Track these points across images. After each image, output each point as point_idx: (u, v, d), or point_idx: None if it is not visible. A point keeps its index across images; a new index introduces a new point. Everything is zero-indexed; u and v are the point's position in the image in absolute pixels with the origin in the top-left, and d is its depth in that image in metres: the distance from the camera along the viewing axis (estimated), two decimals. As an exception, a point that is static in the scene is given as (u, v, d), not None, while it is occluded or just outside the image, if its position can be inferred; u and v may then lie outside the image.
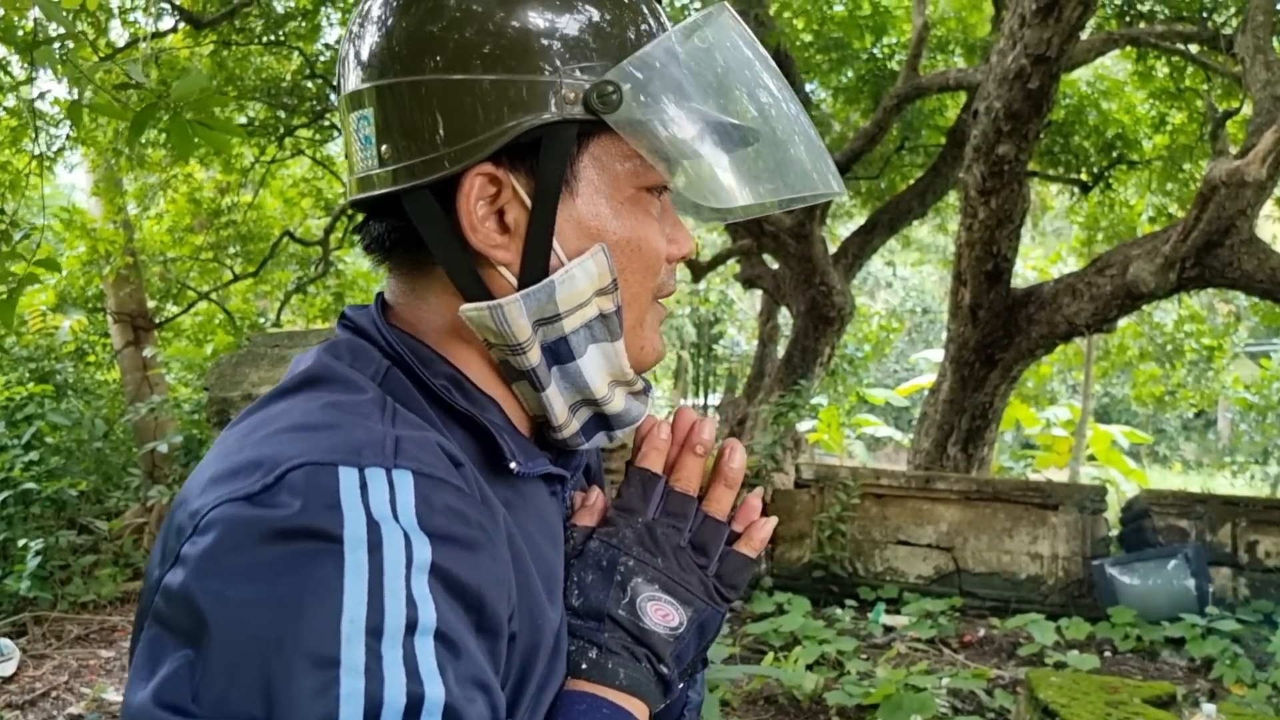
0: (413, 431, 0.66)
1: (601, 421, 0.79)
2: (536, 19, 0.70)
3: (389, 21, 0.73)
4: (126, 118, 1.75)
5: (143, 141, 7.17)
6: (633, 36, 0.73)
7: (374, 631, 0.55)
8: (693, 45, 0.73)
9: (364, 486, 0.60)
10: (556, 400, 0.76)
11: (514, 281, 0.72)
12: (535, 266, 0.72)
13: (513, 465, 0.73)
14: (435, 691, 0.55)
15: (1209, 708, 3.77)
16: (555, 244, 0.72)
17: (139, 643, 0.59)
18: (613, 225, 0.74)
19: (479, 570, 0.62)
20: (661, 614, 0.75)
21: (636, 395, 0.80)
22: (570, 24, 0.71)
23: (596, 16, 0.72)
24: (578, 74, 0.70)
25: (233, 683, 0.53)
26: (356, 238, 0.81)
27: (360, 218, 0.80)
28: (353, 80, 0.75)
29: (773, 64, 0.78)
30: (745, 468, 0.81)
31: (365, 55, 0.74)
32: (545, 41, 0.70)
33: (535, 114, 0.70)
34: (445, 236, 0.73)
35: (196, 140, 1.74)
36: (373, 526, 0.58)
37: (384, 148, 0.72)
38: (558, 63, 0.70)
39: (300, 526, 0.57)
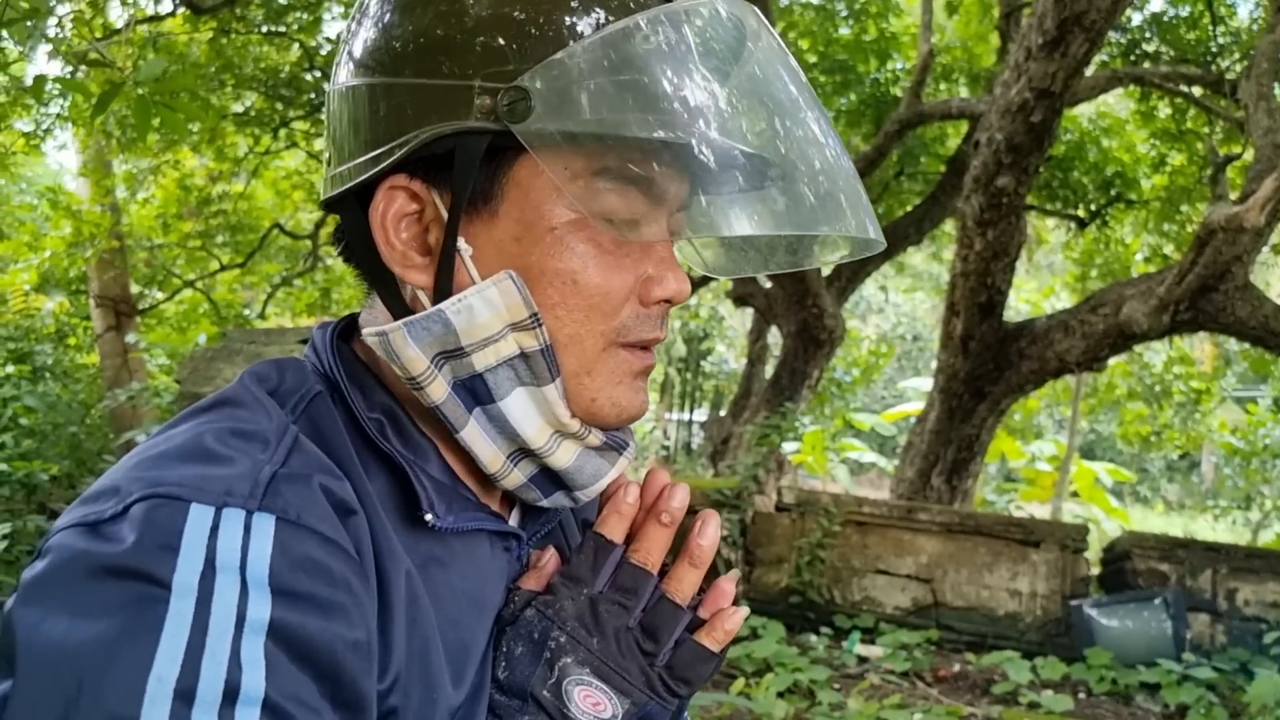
0: (301, 470, 0.58)
1: (553, 478, 0.69)
2: (457, 16, 0.61)
3: (349, 28, 0.70)
4: (92, 95, 1.68)
5: (124, 124, 7.08)
6: (556, 35, 0.61)
7: (184, 695, 0.48)
8: (635, 45, 0.60)
9: (215, 529, 0.52)
10: (479, 444, 0.66)
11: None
12: (444, 292, 0.63)
13: (427, 517, 0.63)
14: None
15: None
16: (472, 269, 0.63)
17: None
18: (538, 253, 0.63)
19: (335, 634, 0.53)
20: (591, 701, 0.65)
21: (600, 451, 0.68)
22: (493, 22, 0.61)
23: (525, 14, 0.61)
24: (496, 79, 0.60)
25: None
26: None
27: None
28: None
29: (786, 68, 0.64)
30: (717, 545, 0.70)
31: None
32: (462, 40, 0.61)
33: (444, 122, 0.61)
34: (370, 251, 0.66)
35: (157, 121, 1.68)
36: (207, 575, 0.51)
37: (327, 153, 0.69)
38: (473, 65, 0.61)
39: (128, 565, 0.51)
